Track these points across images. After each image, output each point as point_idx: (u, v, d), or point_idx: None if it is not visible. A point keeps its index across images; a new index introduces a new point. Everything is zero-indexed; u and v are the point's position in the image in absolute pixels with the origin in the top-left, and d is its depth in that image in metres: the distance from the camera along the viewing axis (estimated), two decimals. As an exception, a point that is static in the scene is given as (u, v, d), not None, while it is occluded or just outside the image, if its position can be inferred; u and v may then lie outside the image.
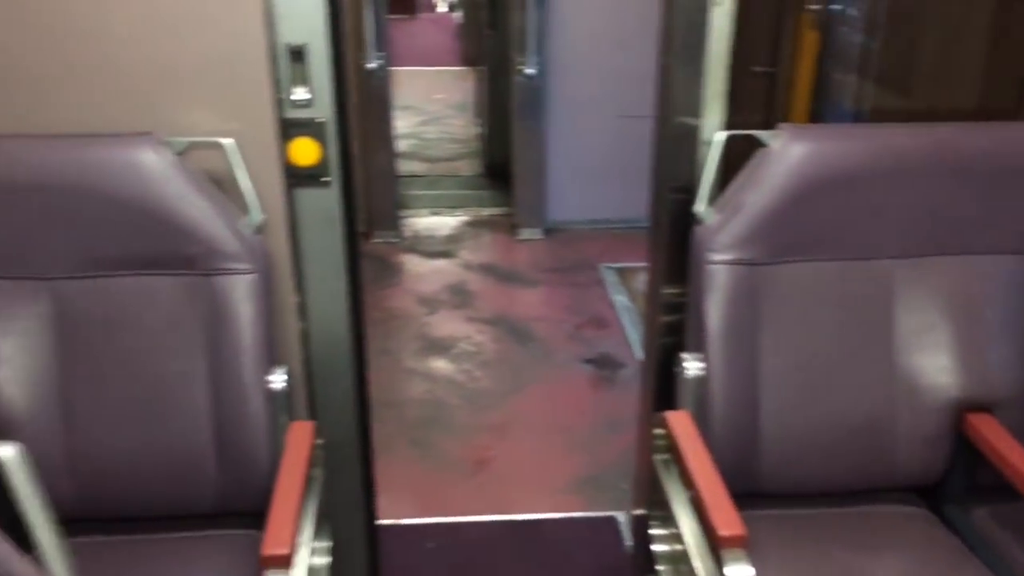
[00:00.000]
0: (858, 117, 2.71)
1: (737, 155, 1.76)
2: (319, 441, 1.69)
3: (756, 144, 1.71)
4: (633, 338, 3.35)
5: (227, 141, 1.64)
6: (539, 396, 3.00)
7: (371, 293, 3.71)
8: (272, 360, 1.63)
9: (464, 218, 4.59)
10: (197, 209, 1.58)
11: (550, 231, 4.36)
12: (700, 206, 1.74)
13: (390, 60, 4.13)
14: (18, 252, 1.56)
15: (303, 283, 1.84)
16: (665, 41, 1.81)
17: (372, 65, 3.90)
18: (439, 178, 5.25)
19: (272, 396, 1.62)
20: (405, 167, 5.41)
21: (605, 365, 3.18)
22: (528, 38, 3.96)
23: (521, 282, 3.86)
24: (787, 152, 1.66)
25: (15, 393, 1.55)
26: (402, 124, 6.56)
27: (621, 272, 3.90)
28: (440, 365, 3.16)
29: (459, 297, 3.69)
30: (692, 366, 1.71)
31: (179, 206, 1.57)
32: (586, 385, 3.07)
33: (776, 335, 1.70)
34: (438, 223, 4.50)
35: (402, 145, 5.93)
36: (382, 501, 2.24)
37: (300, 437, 1.61)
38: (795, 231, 1.69)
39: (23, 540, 0.90)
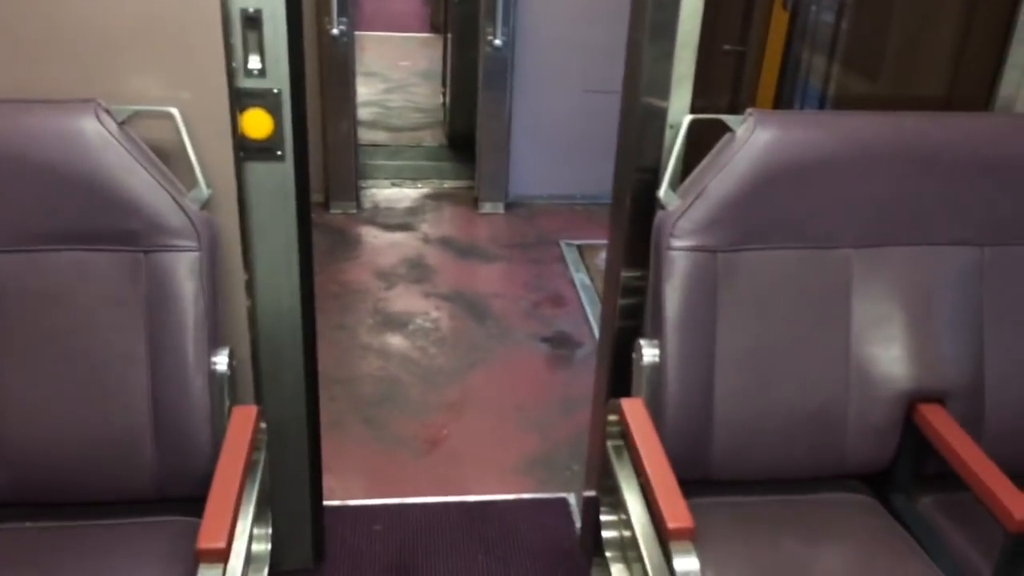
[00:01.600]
0: (824, 101, 2.71)
1: (707, 137, 1.74)
2: (263, 425, 1.64)
3: (725, 127, 1.68)
4: (592, 317, 3.33)
5: (174, 111, 1.58)
6: (495, 374, 2.97)
7: (328, 266, 3.64)
8: (216, 341, 1.58)
9: (425, 190, 4.52)
10: (140, 182, 1.51)
11: (511, 205, 4.32)
12: (663, 191, 1.71)
13: (355, 26, 4.03)
14: (-54, 223, 1.48)
15: (252, 260, 1.79)
16: (635, 18, 1.77)
17: (335, 31, 3.80)
18: (401, 148, 5.17)
19: (215, 378, 1.57)
20: (367, 136, 5.31)
21: (562, 344, 3.17)
22: (497, 8, 3.89)
23: (480, 257, 3.82)
24: (753, 138, 1.63)
25: (-59, 371, 1.49)
26: (366, 91, 6.44)
27: (581, 249, 3.88)
28: (396, 341, 3.12)
29: (417, 271, 3.64)
30: (648, 352, 1.69)
31: (121, 179, 1.51)
32: (542, 364, 3.05)
33: (732, 323, 1.69)
34: (398, 195, 4.44)
35: (365, 113, 5.83)
36: (330, 481, 2.21)
37: (242, 422, 1.56)
38: (757, 218, 1.67)
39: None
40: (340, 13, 3.80)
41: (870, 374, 1.71)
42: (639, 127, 1.81)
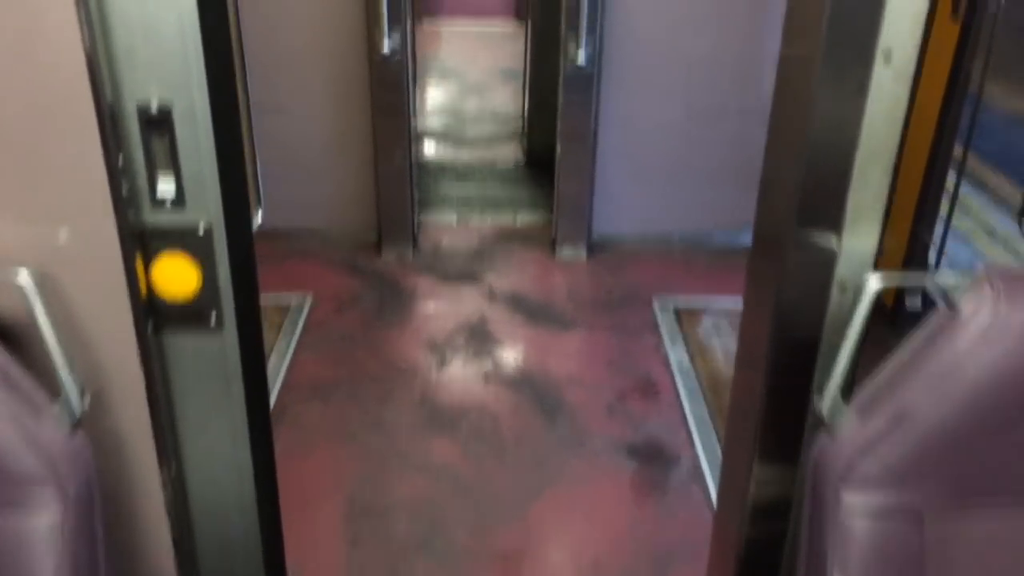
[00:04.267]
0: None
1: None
2: None
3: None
4: (691, 415, 2.64)
5: (23, 276, 0.98)
6: (565, 506, 2.32)
7: (372, 333, 3.05)
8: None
9: (496, 226, 3.87)
10: (-40, 401, 0.92)
11: (595, 248, 3.64)
12: (827, 401, 1.03)
13: (413, 40, 3.41)
14: None
15: (181, 481, 1.18)
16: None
17: (385, 51, 3.18)
18: (472, 169, 4.53)
19: None
20: (435, 153, 4.71)
21: (653, 458, 2.49)
22: (581, 18, 3.19)
23: (555, 323, 3.15)
24: (995, 321, 0.93)
25: None
26: (439, 95, 5.84)
27: (679, 314, 3.17)
28: (444, 449, 2.50)
29: (477, 342, 3.01)
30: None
31: (-72, 396, 0.92)
32: (628, 490, 2.38)
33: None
34: (464, 233, 3.80)
35: (435, 123, 5.23)
36: None
37: None
38: (999, 455, 0.98)
39: None
40: (391, 29, 3.18)
41: None
42: (786, 276, 1.12)
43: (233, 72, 1.02)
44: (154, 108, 1.00)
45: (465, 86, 6.06)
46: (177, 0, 0.96)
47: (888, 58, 0.97)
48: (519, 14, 7.46)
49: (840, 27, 0.97)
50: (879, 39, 0.96)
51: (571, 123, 3.53)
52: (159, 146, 1.03)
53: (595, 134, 3.54)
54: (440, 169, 4.50)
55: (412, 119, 3.53)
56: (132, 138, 1.02)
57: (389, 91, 3.37)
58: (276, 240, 3.47)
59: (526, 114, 4.72)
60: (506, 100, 5.68)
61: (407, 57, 3.33)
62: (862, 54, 0.98)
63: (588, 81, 3.41)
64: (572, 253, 3.62)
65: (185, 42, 0.97)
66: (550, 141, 3.89)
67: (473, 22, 7.87)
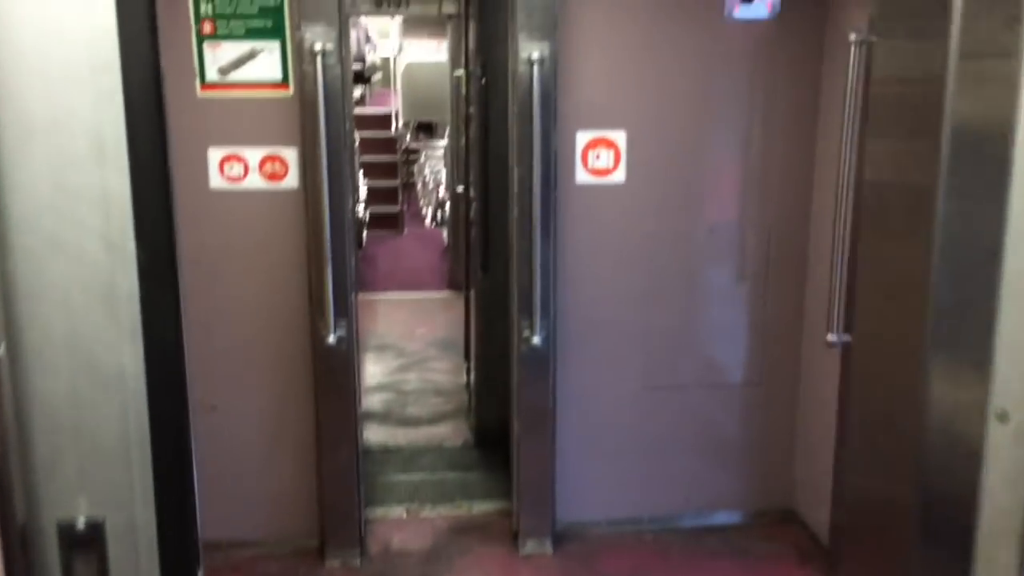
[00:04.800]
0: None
1: None
2: None
3: None
4: None
5: None
6: None
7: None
8: None
9: (449, 517, 3.55)
10: None
11: (561, 538, 3.34)
12: None
13: (357, 330, 3.26)
14: None
15: None
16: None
17: (331, 340, 3.02)
18: (418, 452, 4.27)
19: None
20: (376, 436, 4.44)
21: None
22: (534, 299, 3.11)
23: (529, 638, 2.78)
24: None
25: None
26: (377, 371, 5.68)
27: (666, 615, 2.85)
28: None
29: (443, 672, 2.61)
30: None
31: None
32: None
33: None
34: (415, 529, 3.46)
35: (375, 401, 5.01)
36: None
37: None
38: None
39: None
40: (338, 315, 3.04)
41: None
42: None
43: (191, 478, 0.80)
44: (81, 524, 0.76)
45: (404, 359, 5.92)
46: (120, 387, 0.74)
47: (1004, 418, 0.81)
48: (452, 285, 7.57)
49: (943, 383, 0.81)
50: (991, 397, 0.81)
51: (528, 404, 3.35)
52: (84, 572, 0.77)
53: (554, 414, 3.36)
54: (384, 453, 4.22)
55: (358, 409, 3.30)
56: (47, 566, 0.76)
57: (333, 381, 3.17)
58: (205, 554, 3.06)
59: (472, 391, 4.56)
60: (446, 373, 5.54)
61: (353, 344, 3.16)
62: (971, 413, 0.82)
63: (544, 360, 3.29)
64: (537, 547, 3.30)
65: (130, 440, 0.75)
66: (499, 418, 3.71)
67: (406, 294, 7.94)
